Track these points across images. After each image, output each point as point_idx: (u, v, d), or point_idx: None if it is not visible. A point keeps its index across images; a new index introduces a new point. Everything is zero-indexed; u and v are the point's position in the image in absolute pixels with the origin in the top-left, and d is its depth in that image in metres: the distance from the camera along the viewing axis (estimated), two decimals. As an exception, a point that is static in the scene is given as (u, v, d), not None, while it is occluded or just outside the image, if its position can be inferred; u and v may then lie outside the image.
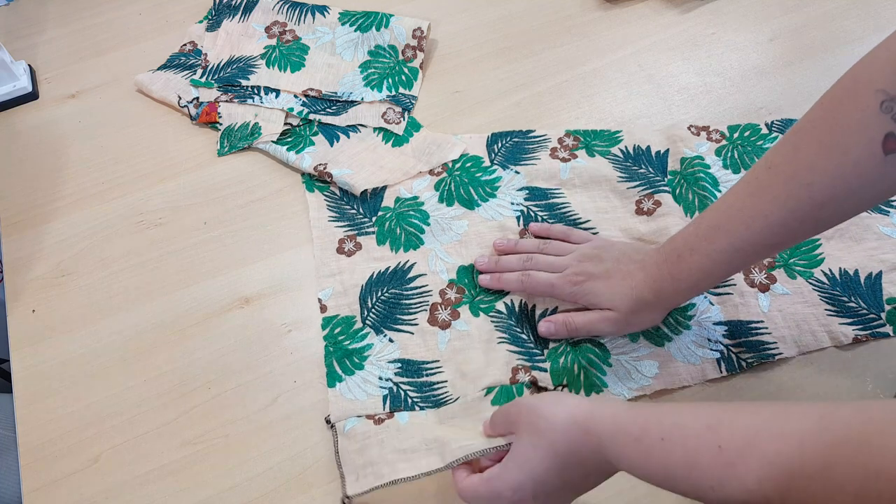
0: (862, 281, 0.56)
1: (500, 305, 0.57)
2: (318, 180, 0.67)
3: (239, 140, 0.70)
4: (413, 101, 0.72)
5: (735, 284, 0.57)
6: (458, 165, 0.67)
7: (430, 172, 0.67)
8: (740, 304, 0.56)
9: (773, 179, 0.44)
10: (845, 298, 0.56)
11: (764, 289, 0.57)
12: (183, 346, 0.58)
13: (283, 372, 0.56)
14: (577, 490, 0.43)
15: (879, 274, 0.57)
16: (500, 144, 0.68)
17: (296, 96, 0.73)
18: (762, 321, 0.55)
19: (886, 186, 0.42)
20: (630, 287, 0.51)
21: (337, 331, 0.57)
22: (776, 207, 0.43)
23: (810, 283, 0.57)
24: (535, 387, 0.53)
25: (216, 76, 0.75)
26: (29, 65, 0.79)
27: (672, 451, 0.36)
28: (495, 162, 0.67)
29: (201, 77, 0.75)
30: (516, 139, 0.68)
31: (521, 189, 0.64)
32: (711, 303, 0.56)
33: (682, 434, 0.36)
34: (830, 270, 0.57)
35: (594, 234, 0.61)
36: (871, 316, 0.55)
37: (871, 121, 0.40)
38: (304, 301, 0.59)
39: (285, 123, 0.71)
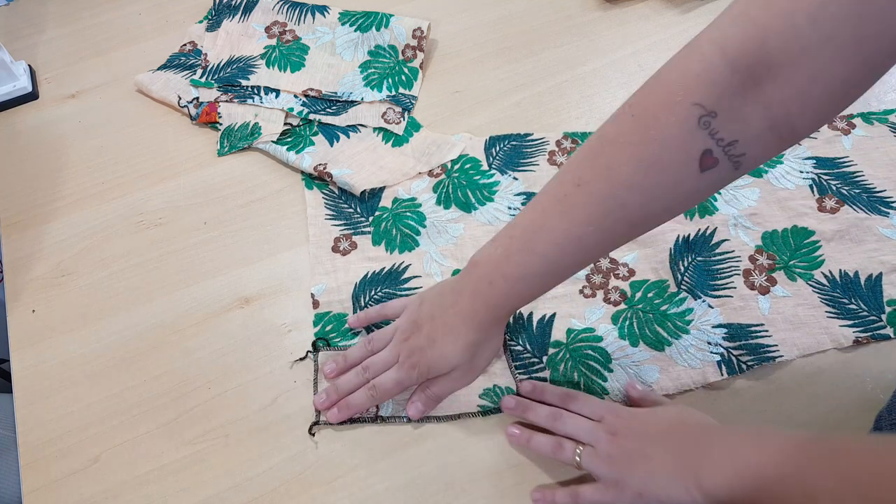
0: (862, 283, 0.56)
1: None
2: (317, 178, 0.67)
3: (239, 140, 0.70)
4: (413, 101, 0.72)
5: (735, 287, 0.57)
6: (456, 167, 0.67)
7: (430, 174, 0.67)
8: (740, 308, 0.56)
9: (585, 199, 0.42)
10: (846, 300, 0.56)
11: (764, 291, 0.57)
12: (183, 346, 0.58)
13: (283, 372, 0.56)
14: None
15: (880, 275, 0.57)
16: (498, 148, 0.68)
17: (296, 96, 0.73)
18: (762, 324, 0.55)
19: (697, 198, 0.42)
20: (455, 339, 0.49)
21: (329, 328, 0.57)
22: (592, 229, 0.42)
23: (810, 286, 0.57)
24: None
25: (216, 76, 0.75)
26: (29, 65, 0.79)
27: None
28: (493, 166, 0.67)
29: (201, 77, 0.75)
30: (514, 142, 0.68)
31: (518, 194, 0.64)
32: (710, 306, 0.56)
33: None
34: (830, 272, 0.57)
35: None
36: (872, 318, 0.55)
37: (689, 136, 0.38)
38: (303, 301, 0.59)
39: (285, 123, 0.71)
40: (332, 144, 0.69)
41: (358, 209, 0.65)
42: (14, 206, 0.68)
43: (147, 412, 0.54)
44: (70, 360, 0.57)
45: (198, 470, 0.51)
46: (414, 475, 0.50)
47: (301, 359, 0.56)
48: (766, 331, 0.54)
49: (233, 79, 0.74)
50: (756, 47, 0.36)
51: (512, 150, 0.68)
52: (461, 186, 0.65)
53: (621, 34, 0.77)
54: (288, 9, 0.79)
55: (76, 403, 0.55)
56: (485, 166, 0.67)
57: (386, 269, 0.61)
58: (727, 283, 0.57)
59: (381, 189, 0.66)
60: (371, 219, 0.64)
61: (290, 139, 0.70)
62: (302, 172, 0.68)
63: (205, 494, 0.50)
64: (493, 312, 0.48)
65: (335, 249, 0.62)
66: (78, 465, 0.52)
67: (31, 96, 0.76)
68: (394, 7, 0.80)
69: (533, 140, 0.68)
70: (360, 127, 0.71)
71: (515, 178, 0.65)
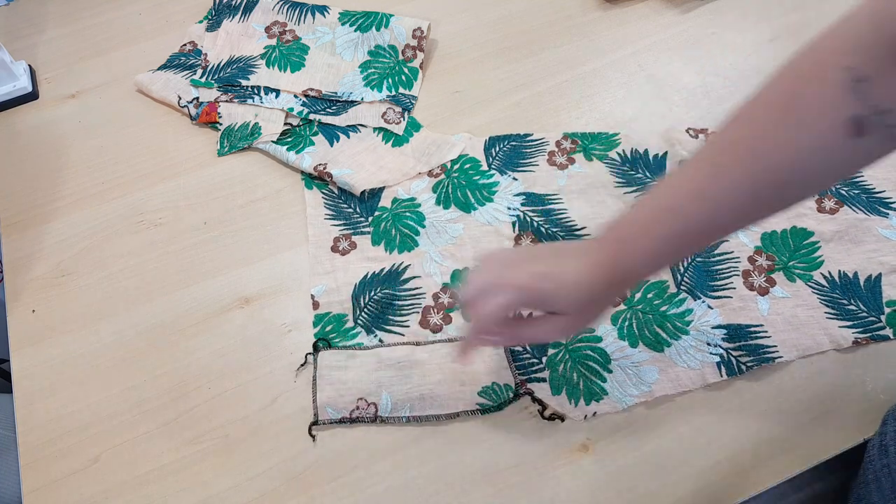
0: (861, 283, 0.56)
1: None
2: (317, 178, 0.67)
3: (239, 140, 0.70)
4: (413, 101, 0.72)
5: (734, 288, 0.57)
6: (456, 167, 0.67)
7: (429, 174, 0.67)
8: (739, 308, 0.56)
9: (732, 160, 0.41)
10: (845, 301, 0.56)
11: (763, 292, 0.57)
12: (183, 346, 0.58)
13: (282, 372, 0.56)
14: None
15: (879, 276, 0.57)
16: (497, 148, 0.68)
17: (296, 96, 0.73)
18: (762, 325, 0.55)
19: (850, 168, 0.41)
20: (576, 284, 0.44)
21: (328, 328, 0.57)
22: (739, 192, 0.40)
23: (810, 287, 0.57)
24: (533, 398, 0.53)
25: (216, 76, 0.75)
26: (29, 65, 0.79)
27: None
28: (493, 167, 0.67)
29: (201, 77, 0.75)
30: (514, 143, 0.68)
31: (518, 194, 0.64)
32: (710, 307, 0.56)
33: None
34: (830, 273, 0.57)
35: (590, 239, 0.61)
36: (871, 319, 0.55)
37: (840, 98, 0.37)
38: (303, 301, 0.59)
39: (285, 123, 0.71)
40: (332, 144, 0.69)
41: (357, 209, 0.65)
42: (14, 206, 0.68)
43: (147, 412, 0.54)
44: (70, 360, 0.57)
45: (198, 470, 0.51)
46: (414, 475, 0.50)
47: (302, 365, 0.56)
48: (766, 332, 0.54)
49: (233, 79, 0.74)
50: None
51: (511, 151, 0.68)
52: (461, 186, 0.65)
53: (621, 34, 0.77)
54: (288, 9, 0.79)
55: (76, 403, 0.55)
56: (484, 166, 0.67)
57: (385, 270, 0.61)
58: (726, 284, 0.57)
59: (381, 189, 0.66)
60: (370, 219, 0.64)
61: (290, 139, 0.70)
62: (302, 172, 0.68)
63: (205, 494, 0.50)
64: (623, 272, 0.44)
65: (334, 249, 0.62)
66: (78, 465, 0.52)
67: (31, 96, 0.76)
68: (394, 7, 0.80)
69: (533, 140, 0.68)
70: (360, 127, 0.71)
71: (515, 179, 0.65)
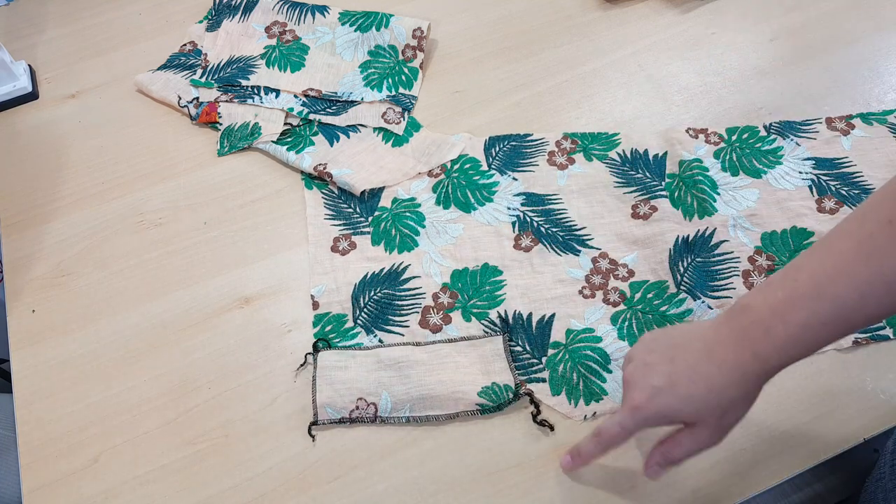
0: None
1: (493, 314, 0.57)
2: (317, 178, 0.67)
3: (239, 140, 0.70)
4: (413, 101, 0.72)
5: (735, 289, 0.57)
6: (456, 167, 0.67)
7: (429, 174, 0.67)
8: None
9: (889, 239, 0.36)
10: None
11: None
12: (183, 346, 0.58)
13: (282, 372, 0.56)
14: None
15: None
16: (497, 148, 0.68)
17: (296, 96, 0.73)
18: None
19: None
20: (706, 391, 0.40)
21: (328, 328, 0.57)
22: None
23: None
24: (532, 400, 0.53)
25: (216, 76, 0.75)
26: (29, 65, 0.79)
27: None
28: (493, 166, 0.67)
29: (201, 77, 0.75)
30: (514, 143, 0.68)
31: (518, 194, 0.64)
32: (710, 307, 0.56)
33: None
34: None
35: (589, 239, 0.61)
36: None
37: None
38: (303, 301, 0.59)
39: (285, 123, 0.71)
40: (332, 144, 0.69)
41: (357, 209, 0.65)
42: (14, 206, 0.68)
43: (147, 412, 0.54)
44: (70, 360, 0.57)
45: (198, 470, 0.51)
46: (414, 475, 0.50)
47: (302, 365, 0.56)
48: None
49: (233, 79, 0.74)
50: None
51: (511, 151, 0.68)
52: (461, 186, 0.65)
53: (621, 34, 0.77)
54: (288, 9, 0.79)
55: (76, 403, 0.55)
56: (484, 166, 0.67)
57: (385, 270, 0.61)
58: (727, 284, 0.57)
59: (381, 189, 0.66)
60: (370, 219, 0.64)
61: (290, 139, 0.70)
62: (302, 172, 0.68)
63: (205, 494, 0.50)
64: (763, 365, 0.39)
65: (334, 249, 0.62)
66: (78, 465, 0.52)
67: (31, 96, 0.76)
68: (394, 7, 0.80)
69: (533, 140, 0.68)
70: (360, 127, 0.71)
71: (515, 179, 0.65)
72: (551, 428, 0.51)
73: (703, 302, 0.56)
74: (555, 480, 0.49)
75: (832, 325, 0.38)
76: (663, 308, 0.56)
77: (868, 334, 0.54)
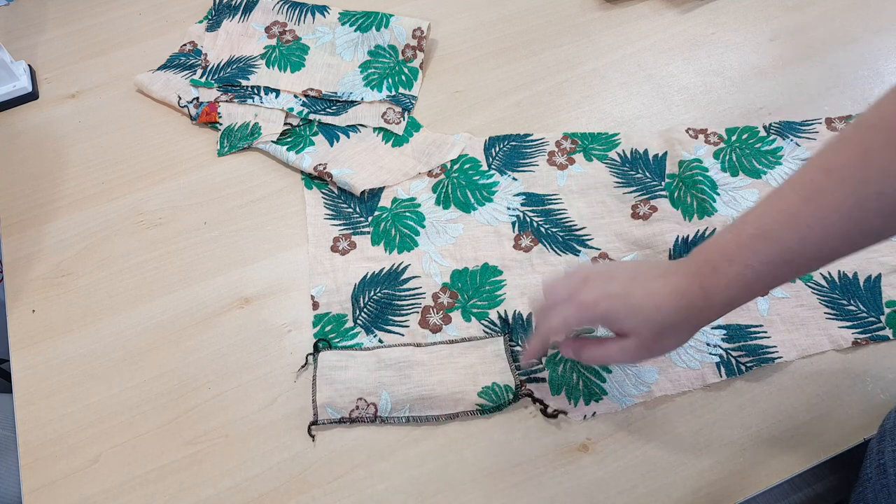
0: (861, 284, 0.56)
1: (493, 314, 0.57)
2: (317, 178, 0.67)
3: (239, 140, 0.70)
4: (413, 101, 0.72)
5: None
6: (456, 167, 0.67)
7: (429, 174, 0.67)
8: (739, 309, 0.56)
9: (834, 184, 0.38)
10: (844, 301, 0.56)
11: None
12: (183, 346, 0.58)
13: (282, 372, 0.56)
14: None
15: (878, 277, 0.57)
16: (497, 148, 0.68)
17: (296, 96, 0.73)
18: (761, 325, 0.55)
19: None
20: (654, 308, 0.42)
21: (328, 328, 0.57)
22: (838, 217, 0.38)
23: (809, 287, 0.57)
24: (533, 399, 0.53)
25: (216, 76, 0.75)
26: (29, 65, 0.79)
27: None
28: (493, 167, 0.67)
29: (201, 77, 0.75)
30: (514, 143, 0.68)
31: (518, 194, 0.64)
32: None
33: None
34: (829, 273, 0.57)
35: (588, 240, 0.61)
36: (871, 319, 0.55)
37: None
38: (303, 301, 0.59)
39: (285, 123, 0.71)
40: (332, 144, 0.69)
41: (357, 209, 0.65)
42: (14, 206, 0.68)
43: (147, 412, 0.54)
44: (70, 360, 0.57)
45: (198, 470, 0.51)
46: (414, 475, 0.50)
47: (303, 366, 0.56)
48: (765, 332, 0.54)
49: (233, 79, 0.74)
50: None
51: (511, 151, 0.68)
52: (460, 186, 0.65)
53: (621, 34, 0.77)
54: (288, 9, 0.79)
55: (76, 403, 0.55)
56: (484, 167, 0.67)
57: (385, 270, 0.61)
58: None
59: (381, 189, 0.66)
60: (370, 219, 0.64)
61: (290, 139, 0.70)
62: (302, 172, 0.68)
63: (205, 494, 0.50)
64: (706, 301, 0.42)
65: (334, 249, 0.62)
66: (78, 465, 0.52)
67: (31, 96, 0.76)
68: (394, 7, 0.80)
69: (532, 140, 0.68)
70: (360, 127, 0.71)
71: (515, 179, 0.65)
72: (564, 413, 0.52)
73: None
74: (555, 480, 0.49)
75: (774, 265, 0.40)
76: None
77: (868, 335, 0.54)
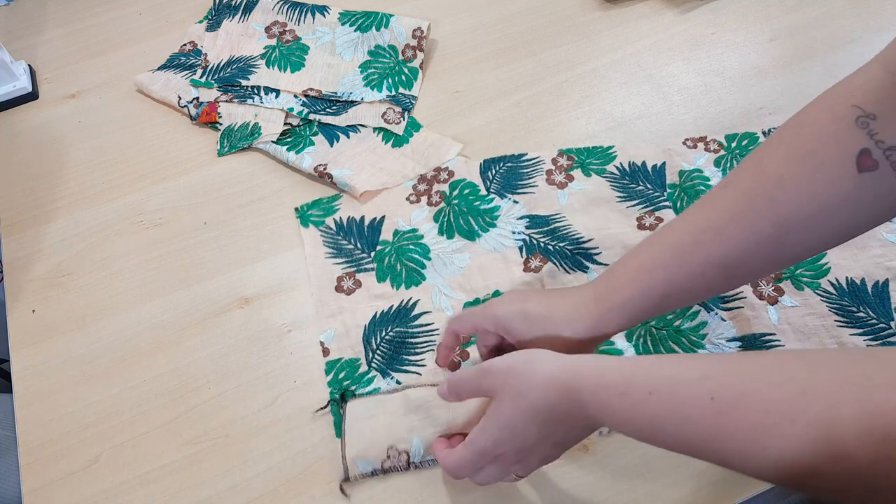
0: (869, 290, 0.56)
1: None
2: (317, 180, 0.67)
3: (239, 140, 0.70)
4: (413, 101, 0.72)
5: (745, 297, 0.56)
6: (455, 193, 0.65)
7: (429, 202, 0.65)
8: (752, 317, 0.55)
9: (730, 192, 0.40)
10: (854, 308, 0.55)
11: (772, 301, 0.56)
12: (183, 346, 0.58)
13: (282, 372, 0.56)
14: (562, 445, 0.42)
15: (886, 282, 0.56)
16: (494, 171, 0.66)
17: (296, 96, 0.73)
18: (774, 333, 0.54)
19: (858, 213, 0.39)
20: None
21: (341, 375, 0.55)
22: (733, 227, 0.39)
23: (818, 294, 0.56)
24: None
25: (216, 76, 0.75)
26: (29, 65, 0.79)
27: (660, 403, 0.35)
28: (492, 190, 0.65)
29: (201, 77, 0.75)
30: (509, 164, 0.66)
31: (521, 218, 0.63)
32: (723, 318, 0.55)
33: (672, 385, 0.35)
34: (837, 280, 0.57)
35: (597, 254, 0.59)
36: (881, 325, 0.54)
37: (846, 133, 0.37)
38: (303, 301, 0.59)
39: (285, 123, 0.71)
40: (332, 145, 0.69)
41: (358, 244, 0.62)
42: (14, 206, 0.68)
43: (147, 412, 0.54)
44: (70, 360, 0.57)
45: (198, 470, 0.51)
46: (414, 474, 0.50)
47: (321, 408, 0.53)
48: (779, 340, 0.54)
49: (233, 79, 0.74)
50: None
51: (508, 172, 0.66)
52: (462, 213, 0.63)
53: (621, 34, 0.77)
54: (288, 9, 0.79)
55: (76, 403, 0.55)
56: (483, 191, 0.65)
57: (394, 307, 0.58)
58: (738, 294, 0.56)
59: (381, 221, 0.64)
60: (373, 254, 0.62)
61: (290, 139, 0.70)
62: (296, 210, 0.65)
63: (205, 494, 0.50)
64: (595, 327, 0.45)
65: (339, 289, 0.60)
66: (78, 465, 0.52)
67: (31, 96, 0.76)
68: (394, 7, 0.80)
69: (528, 160, 0.67)
70: (360, 127, 0.71)
71: (516, 202, 0.64)
72: None
73: (716, 314, 0.56)
74: (555, 481, 0.49)
75: (668, 267, 0.43)
76: (677, 322, 0.55)
77: (879, 341, 0.53)
